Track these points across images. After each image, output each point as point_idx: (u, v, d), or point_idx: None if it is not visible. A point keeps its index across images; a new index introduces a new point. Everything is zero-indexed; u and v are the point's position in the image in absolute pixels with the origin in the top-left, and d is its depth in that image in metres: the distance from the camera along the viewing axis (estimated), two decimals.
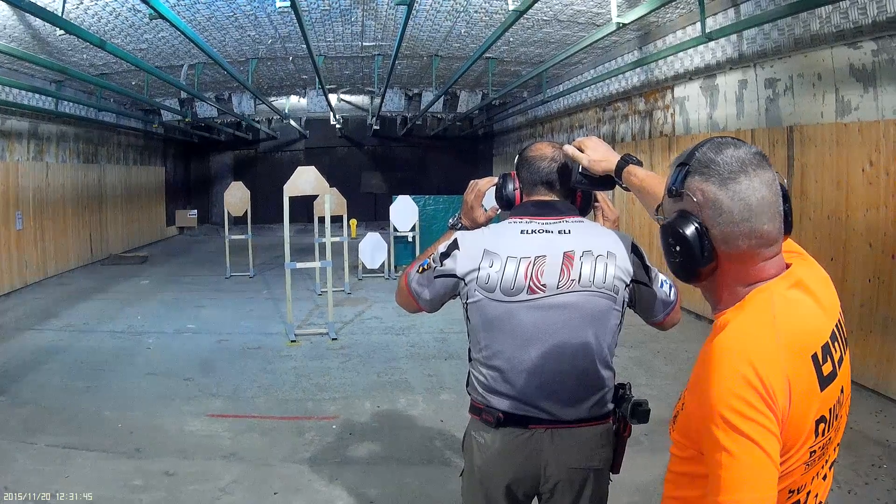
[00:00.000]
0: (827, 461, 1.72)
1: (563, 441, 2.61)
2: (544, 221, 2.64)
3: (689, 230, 1.60)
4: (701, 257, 1.62)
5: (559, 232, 2.61)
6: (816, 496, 1.71)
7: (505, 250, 2.59)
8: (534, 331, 2.56)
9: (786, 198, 1.66)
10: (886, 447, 5.63)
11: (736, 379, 1.48)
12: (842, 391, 1.65)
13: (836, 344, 1.64)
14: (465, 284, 2.64)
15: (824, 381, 1.57)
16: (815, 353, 1.57)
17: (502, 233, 2.66)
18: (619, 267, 2.58)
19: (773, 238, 1.61)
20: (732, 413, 1.46)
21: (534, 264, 2.55)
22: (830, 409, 1.61)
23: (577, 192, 2.79)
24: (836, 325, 1.68)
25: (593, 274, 2.55)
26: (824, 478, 1.74)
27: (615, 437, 2.77)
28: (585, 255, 2.56)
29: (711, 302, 1.75)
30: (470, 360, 2.77)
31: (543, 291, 2.54)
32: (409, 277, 2.77)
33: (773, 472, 1.46)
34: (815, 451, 1.60)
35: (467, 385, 2.80)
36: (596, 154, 2.47)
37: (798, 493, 1.65)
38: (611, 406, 2.72)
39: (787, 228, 1.67)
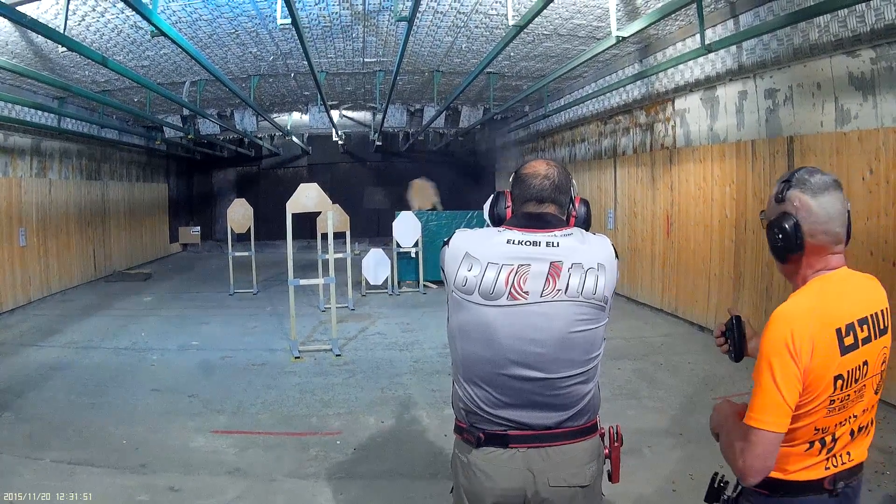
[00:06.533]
0: (855, 417, 2.34)
1: (545, 460, 2.60)
2: (533, 233, 2.62)
3: (789, 224, 2.30)
4: (794, 244, 2.30)
5: (547, 244, 2.59)
6: (848, 451, 2.37)
7: (486, 256, 2.59)
8: (514, 335, 2.54)
9: (848, 217, 2.34)
10: (889, 454, 5.62)
11: (779, 338, 2.19)
12: (864, 364, 2.28)
13: (863, 326, 2.28)
14: (447, 283, 2.67)
15: (844, 349, 2.23)
16: (839, 328, 2.23)
17: (488, 239, 2.65)
18: (608, 276, 2.59)
19: (840, 238, 2.32)
20: (774, 358, 2.18)
21: (516, 272, 2.54)
22: (849, 372, 2.24)
23: (571, 213, 2.80)
24: (872, 314, 2.33)
25: (582, 285, 2.53)
26: (852, 434, 2.36)
27: (608, 448, 2.78)
28: (575, 267, 2.55)
29: (793, 285, 2.42)
30: (452, 371, 2.78)
31: (525, 298, 2.53)
32: None
33: (784, 407, 2.18)
34: (834, 401, 2.24)
35: (452, 401, 2.81)
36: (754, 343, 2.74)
37: (824, 433, 2.30)
38: (594, 419, 2.71)
39: (847, 238, 2.35)
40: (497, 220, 2.83)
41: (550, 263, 2.55)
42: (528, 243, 2.59)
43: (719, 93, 9.49)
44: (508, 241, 2.61)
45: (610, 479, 2.82)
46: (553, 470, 2.59)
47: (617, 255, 2.67)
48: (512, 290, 2.53)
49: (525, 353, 2.54)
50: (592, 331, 2.58)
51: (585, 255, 2.58)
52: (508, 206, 2.81)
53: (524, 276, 2.54)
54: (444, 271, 2.70)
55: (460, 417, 2.73)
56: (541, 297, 2.52)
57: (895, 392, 6.42)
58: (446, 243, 2.72)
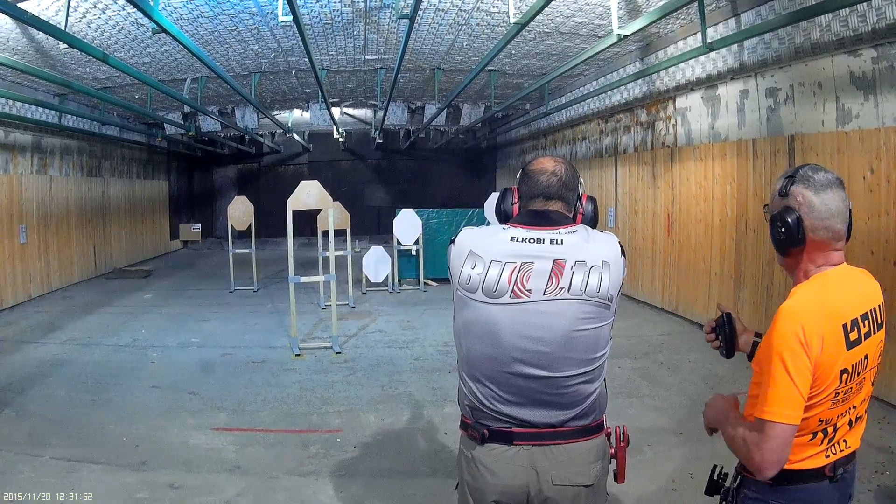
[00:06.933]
0: (854, 408, 2.44)
1: (549, 458, 2.59)
2: (537, 230, 2.61)
3: (792, 218, 2.35)
4: (796, 238, 2.35)
5: (551, 241, 2.58)
6: (845, 440, 2.44)
7: (489, 254, 2.58)
8: (517, 333, 2.53)
9: (849, 215, 2.41)
10: (890, 454, 5.62)
11: (790, 332, 2.23)
12: (865, 357, 2.37)
13: (865, 322, 2.37)
14: (452, 280, 2.67)
15: (850, 344, 2.30)
16: (846, 323, 2.31)
17: (492, 236, 2.65)
18: (613, 274, 2.56)
19: (841, 235, 2.38)
20: (786, 353, 2.22)
21: (519, 270, 2.54)
22: (853, 365, 2.33)
23: (578, 210, 2.80)
24: (871, 310, 2.41)
25: (585, 283, 2.52)
26: (850, 424, 2.45)
27: (614, 448, 2.78)
28: (578, 265, 2.53)
29: (793, 278, 2.49)
30: (458, 368, 2.78)
31: (528, 296, 2.52)
32: None
33: (799, 400, 2.22)
34: (839, 394, 2.32)
35: (457, 397, 2.81)
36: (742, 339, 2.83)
37: (826, 424, 2.37)
38: (600, 418, 2.70)
39: (847, 236, 2.42)
40: (504, 217, 2.81)
41: (553, 261, 2.54)
42: (531, 241, 2.59)
43: (720, 91, 9.49)
44: (512, 239, 2.61)
45: (616, 479, 2.82)
46: (557, 468, 2.59)
47: (624, 253, 2.64)
48: (515, 288, 2.53)
49: (528, 351, 2.53)
50: (596, 329, 2.56)
51: (589, 253, 2.57)
52: (515, 203, 2.80)
53: (527, 274, 2.53)
54: (450, 269, 2.70)
55: (465, 414, 2.73)
56: (543, 295, 2.52)
57: (895, 392, 6.44)
58: (453, 241, 2.72)
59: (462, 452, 2.76)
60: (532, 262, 2.54)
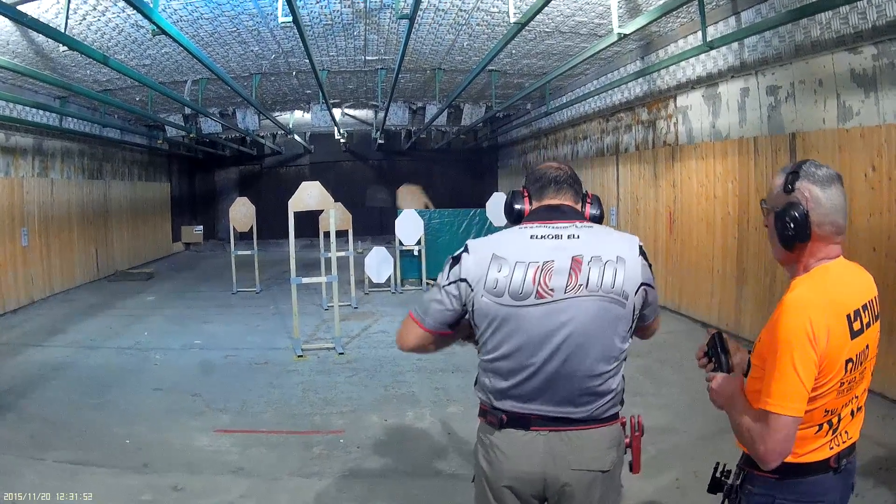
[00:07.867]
0: (856, 398, 2.48)
1: (566, 443, 2.62)
2: (554, 226, 2.65)
3: (800, 213, 2.37)
4: (804, 232, 2.37)
5: (568, 237, 2.62)
6: (846, 430, 2.48)
7: (513, 255, 2.60)
8: (541, 334, 2.56)
9: None
10: (893, 450, 5.60)
11: (798, 326, 2.26)
12: (867, 347, 2.43)
13: (865, 312, 2.42)
14: (473, 290, 2.64)
15: (854, 334, 2.35)
16: (849, 314, 2.35)
17: (512, 238, 2.68)
18: (628, 271, 2.59)
19: (842, 229, 2.42)
20: (794, 346, 2.25)
21: (542, 269, 2.56)
22: (856, 355, 2.38)
23: (586, 203, 2.83)
24: (869, 301, 2.46)
25: (601, 279, 2.55)
26: (852, 414, 2.49)
27: (629, 437, 2.80)
28: (594, 260, 2.57)
29: (792, 271, 2.51)
30: (479, 362, 2.79)
31: (551, 296, 2.55)
32: (412, 312, 2.81)
33: (804, 393, 2.25)
34: (843, 384, 2.37)
35: (475, 384, 2.82)
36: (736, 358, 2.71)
37: (832, 415, 2.41)
38: (618, 409, 2.73)
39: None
40: (516, 217, 2.83)
41: (572, 258, 2.58)
42: (550, 237, 2.63)
43: (721, 90, 9.48)
44: (532, 237, 2.64)
45: (630, 469, 2.83)
46: (574, 453, 2.62)
47: (644, 255, 2.66)
48: (539, 288, 2.56)
49: (549, 349, 2.57)
50: (614, 326, 2.60)
51: (605, 248, 2.61)
52: (526, 197, 2.82)
53: (549, 273, 2.57)
54: (467, 281, 2.65)
55: (484, 398, 2.77)
56: (565, 293, 2.56)
57: None
58: (463, 253, 2.69)
59: (479, 439, 2.78)
60: (552, 261, 2.58)
